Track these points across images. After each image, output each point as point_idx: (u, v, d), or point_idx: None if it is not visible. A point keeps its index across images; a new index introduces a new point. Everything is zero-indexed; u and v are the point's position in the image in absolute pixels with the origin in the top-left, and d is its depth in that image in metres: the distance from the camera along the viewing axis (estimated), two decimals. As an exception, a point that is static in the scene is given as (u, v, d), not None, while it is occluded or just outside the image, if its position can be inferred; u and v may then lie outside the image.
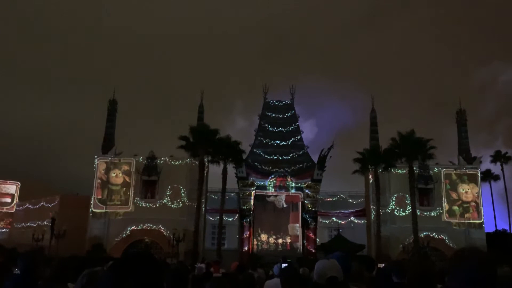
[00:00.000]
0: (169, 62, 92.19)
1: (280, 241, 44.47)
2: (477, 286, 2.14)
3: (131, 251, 1.79)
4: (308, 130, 47.72)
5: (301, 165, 44.96)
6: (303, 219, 43.92)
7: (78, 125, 77.00)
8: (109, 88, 46.72)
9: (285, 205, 44.54)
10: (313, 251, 42.06)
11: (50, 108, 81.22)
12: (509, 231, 48.39)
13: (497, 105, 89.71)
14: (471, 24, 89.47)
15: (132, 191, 41.59)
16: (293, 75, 77.37)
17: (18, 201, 51.26)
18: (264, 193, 44.58)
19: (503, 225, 50.55)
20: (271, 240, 44.49)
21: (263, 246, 44.10)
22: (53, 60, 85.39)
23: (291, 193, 44.64)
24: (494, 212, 53.12)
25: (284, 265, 6.16)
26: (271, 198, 44.52)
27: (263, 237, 44.52)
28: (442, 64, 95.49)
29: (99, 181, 41.73)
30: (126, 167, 42.15)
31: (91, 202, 41.26)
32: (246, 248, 42.56)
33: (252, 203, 43.95)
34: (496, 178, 55.74)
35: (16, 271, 5.30)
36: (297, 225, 44.31)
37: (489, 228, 45.09)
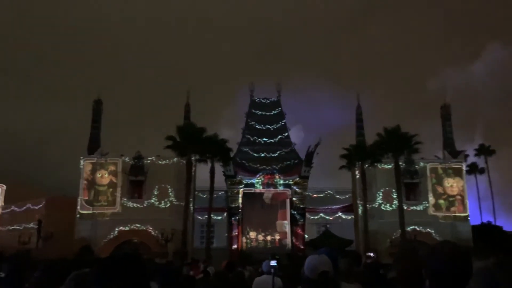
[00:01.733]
0: (154, 62, 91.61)
1: (269, 238, 44.62)
2: (447, 278, 2.19)
3: (118, 252, 1.79)
4: (294, 135, 47.79)
5: (288, 162, 45.12)
6: (291, 215, 44.10)
7: (63, 126, 76.22)
8: (94, 88, 46.36)
9: (270, 200, 44.68)
10: (302, 247, 42.30)
11: (34, 109, 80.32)
12: (494, 223, 49.17)
13: (477, 98, 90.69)
14: (453, 21, 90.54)
15: (119, 192, 41.32)
16: (279, 76, 77.64)
17: (3, 204, 50.62)
18: (253, 191, 44.67)
19: (488, 217, 51.42)
20: (260, 237, 44.61)
21: (252, 243, 44.20)
22: (37, 61, 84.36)
23: (279, 190, 44.78)
24: (479, 204, 53.97)
25: (272, 262, 6.18)
26: (265, 195, 44.58)
27: (252, 234, 44.61)
28: (426, 59, 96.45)
29: (85, 182, 41.37)
30: (112, 168, 41.86)
31: (78, 203, 40.91)
32: (235, 246, 42.65)
33: (240, 201, 44.02)
34: (481, 171, 56.62)
35: (1, 274, 5.24)
36: (286, 222, 44.49)
37: (475, 220, 45.74)
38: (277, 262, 6.18)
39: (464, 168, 44.27)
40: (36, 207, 45.21)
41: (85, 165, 41.72)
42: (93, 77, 72.41)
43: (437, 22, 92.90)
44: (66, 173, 53.37)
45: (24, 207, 46.78)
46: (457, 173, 43.10)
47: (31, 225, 41.81)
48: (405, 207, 38.61)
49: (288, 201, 44.61)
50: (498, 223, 49.83)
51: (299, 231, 43.74)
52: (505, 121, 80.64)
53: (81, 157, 41.99)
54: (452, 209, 42.14)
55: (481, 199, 55.18)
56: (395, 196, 39.82)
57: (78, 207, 40.73)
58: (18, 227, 44.90)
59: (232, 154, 42.81)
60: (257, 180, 44.69)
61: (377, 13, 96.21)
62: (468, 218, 42.34)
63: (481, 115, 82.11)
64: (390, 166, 40.46)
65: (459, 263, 2.21)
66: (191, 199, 39.68)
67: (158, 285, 4.66)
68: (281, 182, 44.69)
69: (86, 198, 41.00)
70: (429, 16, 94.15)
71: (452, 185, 42.62)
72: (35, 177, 63.38)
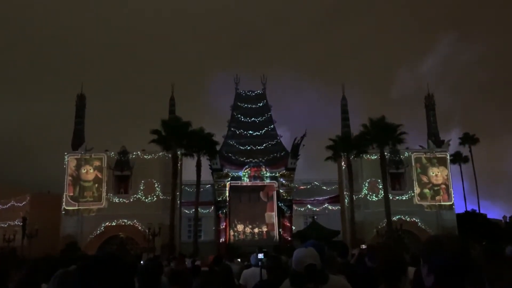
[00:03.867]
0: (138, 56, 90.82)
1: (256, 230, 44.73)
2: (452, 273, 2.21)
3: (101, 252, 1.78)
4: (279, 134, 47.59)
5: (275, 154, 45.13)
6: (279, 207, 44.21)
7: (47, 122, 75.25)
8: (77, 83, 45.79)
9: (266, 199, 45.08)
10: (289, 239, 42.46)
11: (17, 105, 79.11)
12: (478, 211, 49.90)
13: (456, 85, 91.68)
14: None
15: (105, 187, 41.00)
16: (263, 70, 77.53)
17: (-14, 202, 49.89)
18: (239, 184, 44.65)
19: (472, 205, 52.17)
20: (248, 230, 44.70)
21: (239, 236, 44.27)
22: (19, 56, 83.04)
23: (266, 182, 44.84)
24: (464, 193, 54.66)
25: (260, 255, 6.20)
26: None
27: (239, 227, 44.68)
28: (409, 51, 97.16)
29: (70, 178, 40.96)
30: (97, 163, 41.48)
31: (63, 199, 40.52)
32: (223, 239, 42.64)
33: (227, 194, 43.98)
34: (465, 160, 57.22)
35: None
36: (273, 213, 44.64)
37: (459, 209, 46.38)
38: (264, 255, 6.19)
39: (448, 157, 44.79)
40: (20, 204, 44.71)
41: (70, 160, 41.29)
42: (76, 71, 71.53)
43: (413, 16, 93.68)
44: (50, 169, 52.81)
45: (8, 204, 46.22)
46: (442, 162, 43.59)
47: (16, 222, 41.33)
48: (390, 197, 38.98)
49: (275, 193, 44.73)
50: (482, 211, 50.61)
51: (287, 223, 43.89)
52: (484, 111, 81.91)
53: (65, 153, 41.52)
54: (437, 198, 42.67)
55: (465, 187, 55.93)
56: (380, 186, 40.14)
57: (63, 204, 40.34)
58: (2, 225, 44.35)
59: (218, 148, 42.68)
60: (244, 173, 44.65)
61: (357, 8, 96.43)
62: (453, 206, 42.90)
63: (460, 105, 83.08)
64: (375, 157, 40.75)
65: (462, 258, 2.23)
66: (177, 193, 39.55)
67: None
68: (268, 174, 44.72)
69: (71, 194, 40.61)
70: (403, 9, 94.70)
71: (437, 174, 43.12)
72: (19, 174, 62.62)
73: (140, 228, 39.75)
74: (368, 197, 42.53)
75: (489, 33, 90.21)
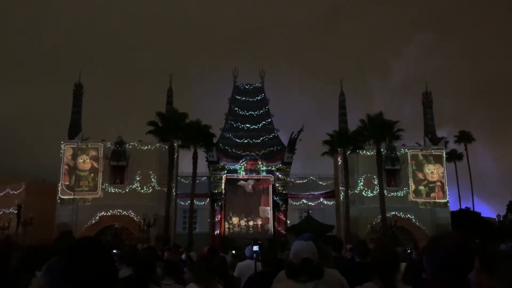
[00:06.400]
0: (136, 46, 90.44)
1: (251, 223, 44.83)
2: (450, 268, 2.25)
3: (81, 239, 1.75)
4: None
5: (271, 148, 45.20)
6: (274, 201, 44.31)
7: (43, 110, 74.96)
8: (75, 72, 45.54)
9: (252, 191, 44.84)
10: (284, 232, 42.62)
11: (12, 93, 78.77)
12: (472, 209, 50.19)
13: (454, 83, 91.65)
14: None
15: (101, 177, 40.95)
16: (262, 64, 77.34)
17: (-19, 189, 49.74)
18: (235, 177, 44.70)
19: (467, 203, 52.45)
20: (242, 223, 44.80)
21: (234, 229, 44.38)
22: (15, 43, 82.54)
23: (262, 176, 44.89)
24: (458, 191, 54.90)
25: (255, 247, 6.23)
26: (241, 182, 44.77)
27: (234, 220, 44.77)
28: (405, 46, 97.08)
29: (66, 167, 40.86)
30: (93, 153, 41.39)
31: (59, 188, 40.46)
32: (218, 232, 42.78)
33: (223, 187, 44.04)
34: (460, 157, 57.45)
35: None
36: (268, 208, 44.70)
37: (454, 207, 46.57)
38: (259, 247, 6.22)
39: (444, 154, 44.90)
40: (15, 192, 44.59)
41: (66, 150, 41.17)
42: (74, 60, 71.17)
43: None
44: (46, 158, 52.71)
45: (3, 192, 46.11)
46: (438, 159, 43.69)
47: (11, 210, 41.26)
48: (386, 193, 39.07)
49: (270, 187, 44.80)
50: (476, 210, 50.90)
51: (281, 216, 44.03)
52: (477, 108, 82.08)
53: (62, 142, 41.39)
54: (432, 195, 42.78)
55: (460, 185, 56.15)
56: (376, 182, 40.24)
57: (59, 192, 40.29)
58: (-3, 212, 44.28)
59: (215, 140, 42.66)
60: (240, 166, 44.72)
61: (356, 4, 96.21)
62: (448, 204, 43.06)
63: (454, 103, 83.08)
64: (372, 153, 40.81)
65: (461, 254, 2.28)
66: (173, 185, 39.53)
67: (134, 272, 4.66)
68: (264, 168, 44.79)
69: (67, 183, 40.54)
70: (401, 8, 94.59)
71: (433, 171, 43.21)
72: (14, 162, 62.44)
73: (135, 218, 39.77)
74: (363, 193, 42.61)
75: (484, 33, 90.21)
